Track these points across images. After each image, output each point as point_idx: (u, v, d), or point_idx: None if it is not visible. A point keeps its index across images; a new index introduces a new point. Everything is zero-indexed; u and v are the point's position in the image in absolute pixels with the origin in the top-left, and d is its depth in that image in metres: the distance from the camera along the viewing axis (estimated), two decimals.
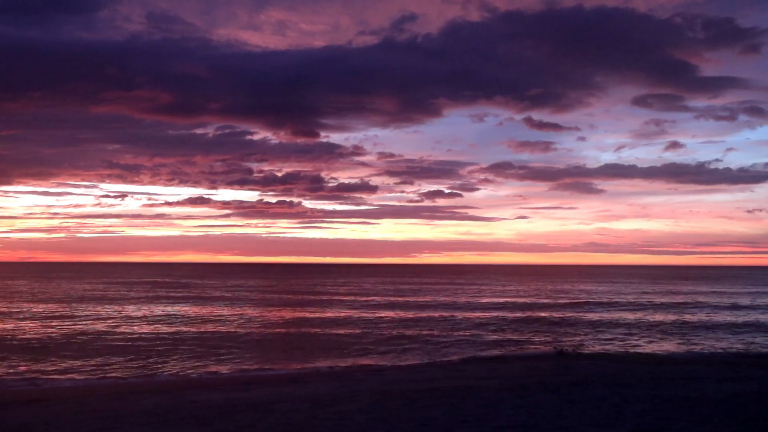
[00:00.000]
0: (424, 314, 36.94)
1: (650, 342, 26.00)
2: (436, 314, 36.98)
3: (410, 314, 37.00)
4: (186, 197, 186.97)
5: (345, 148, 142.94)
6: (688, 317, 36.12)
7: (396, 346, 24.08)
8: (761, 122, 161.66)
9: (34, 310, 37.90)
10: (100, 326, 29.42)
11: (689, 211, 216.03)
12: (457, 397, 11.51)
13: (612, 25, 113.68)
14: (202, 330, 28.40)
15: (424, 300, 50.04)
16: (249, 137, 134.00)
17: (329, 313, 37.18)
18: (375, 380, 14.73)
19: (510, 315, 36.81)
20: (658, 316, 36.36)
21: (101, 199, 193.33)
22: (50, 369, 18.80)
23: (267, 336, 26.86)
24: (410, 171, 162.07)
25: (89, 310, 37.59)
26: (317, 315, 36.05)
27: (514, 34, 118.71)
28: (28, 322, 31.09)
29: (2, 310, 37.77)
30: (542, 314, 37.40)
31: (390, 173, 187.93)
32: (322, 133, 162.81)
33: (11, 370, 18.40)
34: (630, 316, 36.19)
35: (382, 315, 36.30)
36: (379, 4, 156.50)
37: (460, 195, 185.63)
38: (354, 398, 11.69)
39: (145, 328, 28.69)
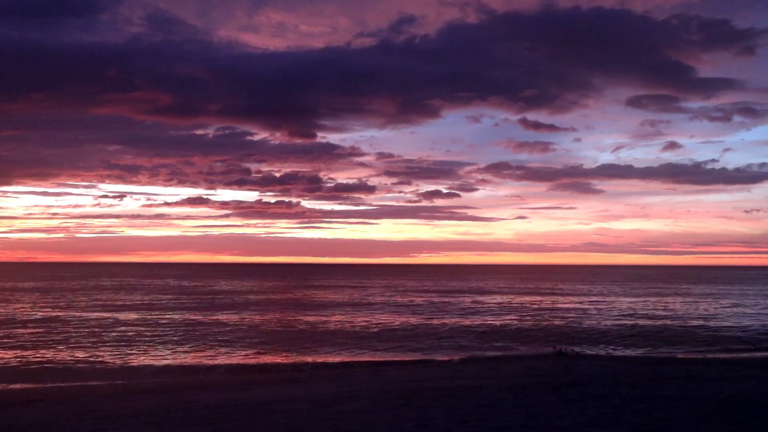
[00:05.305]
0: (423, 314, 36.94)
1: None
2: (434, 314, 36.99)
3: (410, 314, 37.00)
4: (185, 197, 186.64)
5: (343, 148, 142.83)
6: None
7: (396, 347, 24.08)
8: (756, 123, 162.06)
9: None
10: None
11: (687, 211, 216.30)
12: (456, 397, 11.50)
13: (609, 26, 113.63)
14: (204, 328, 28.41)
15: (422, 300, 50.05)
16: (248, 138, 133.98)
17: (328, 314, 37.17)
18: (375, 380, 14.73)
19: (506, 317, 36.82)
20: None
21: (100, 199, 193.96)
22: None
23: (267, 336, 26.86)
24: (408, 171, 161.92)
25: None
26: (316, 315, 36.03)
27: (512, 35, 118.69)
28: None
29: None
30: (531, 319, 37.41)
31: (388, 173, 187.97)
32: (320, 134, 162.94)
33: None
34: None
35: (382, 314, 36.29)
36: (378, 6, 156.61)
37: (458, 195, 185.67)
38: (353, 398, 11.68)
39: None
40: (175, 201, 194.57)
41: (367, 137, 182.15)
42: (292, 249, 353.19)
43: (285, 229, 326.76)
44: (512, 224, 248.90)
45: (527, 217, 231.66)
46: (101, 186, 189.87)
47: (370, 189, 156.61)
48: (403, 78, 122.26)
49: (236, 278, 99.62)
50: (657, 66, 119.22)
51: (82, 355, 21.27)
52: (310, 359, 20.99)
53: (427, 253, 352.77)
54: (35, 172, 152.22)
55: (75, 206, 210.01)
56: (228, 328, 29.09)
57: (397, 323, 31.77)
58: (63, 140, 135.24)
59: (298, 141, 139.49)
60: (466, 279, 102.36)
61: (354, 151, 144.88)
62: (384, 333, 28.03)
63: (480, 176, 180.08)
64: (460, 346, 24.25)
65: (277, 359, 21.12)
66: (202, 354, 22.10)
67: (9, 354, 21.37)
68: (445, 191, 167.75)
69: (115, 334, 26.84)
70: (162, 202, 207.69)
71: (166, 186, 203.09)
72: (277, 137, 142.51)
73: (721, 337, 27.57)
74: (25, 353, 21.57)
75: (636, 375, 14.62)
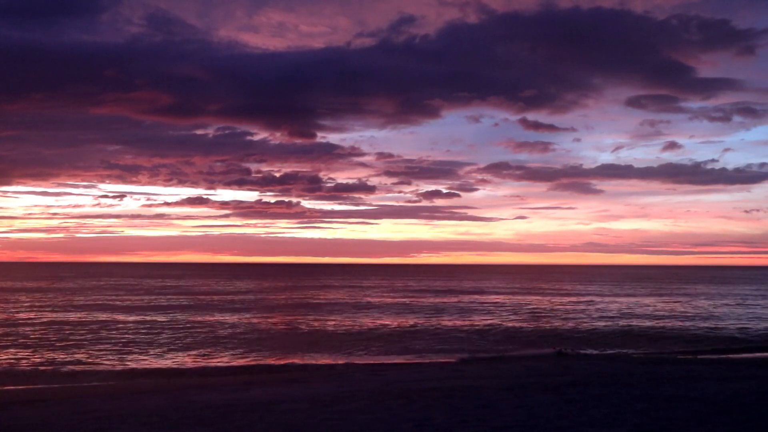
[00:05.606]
0: (422, 314, 36.95)
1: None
2: (434, 314, 37.00)
3: (409, 314, 37.00)
4: (185, 197, 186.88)
5: (343, 148, 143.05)
6: None
7: (395, 346, 24.09)
8: (756, 123, 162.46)
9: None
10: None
11: (687, 211, 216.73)
12: (456, 397, 11.51)
13: (609, 26, 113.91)
14: (204, 328, 28.40)
15: (422, 300, 50.05)
16: (248, 138, 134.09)
17: (327, 313, 37.16)
18: (374, 380, 14.73)
19: (507, 320, 36.84)
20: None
21: (100, 199, 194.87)
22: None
23: (267, 336, 26.86)
24: (408, 171, 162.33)
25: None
26: (316, 315, 36.04)
27: (512, 35, 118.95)
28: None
29: None
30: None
31: (388, 173, 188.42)
32: (320, 134, 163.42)
33: None
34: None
35: (382, 314, 36.29)
36: (378, 6, 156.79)
37: (458, 195, 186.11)
38: (353, 398, 11.69)
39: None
40: (175, 201, 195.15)
41: (367, 137, 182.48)
42: (292, 249, 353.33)
43: (285, 229, 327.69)
44: (512, 224, 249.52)
45: (527, 217, 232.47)
46: (101, 186, 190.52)
47: (370, 189, 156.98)
48: (403, 78, 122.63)
49: (236, 278, 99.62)
50: (657, 66, 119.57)
51: (81, 356, 21.27)
52: (309, 360, 20.99)
53: (426, 253, 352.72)
54: (35, 172, 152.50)
55: (75, 206, 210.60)
56: (227, 329, 29.08)
57: (396, 323, 31.77)
58: (63, 140, 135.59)
59: (298, 141, 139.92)
60: (466, 279, 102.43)
61: (354, 151, 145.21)
62: (384, 333, 28.03)
63: (480, 176, 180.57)
64: (460, 346, 24.26)
65: (277, 360, 21.12)
66: (201, 354, 22.10)
67: (9, 354, 21.37)
68: (445, 191, 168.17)
69: (114, 334, 26.84)
70: (162, 202, 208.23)
71: (166, 186, 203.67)
72: (277, 137, 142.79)
73: (720, 337, 27.59)
74: (24, 353, 21.57)
75: (635, 375, 14.62)
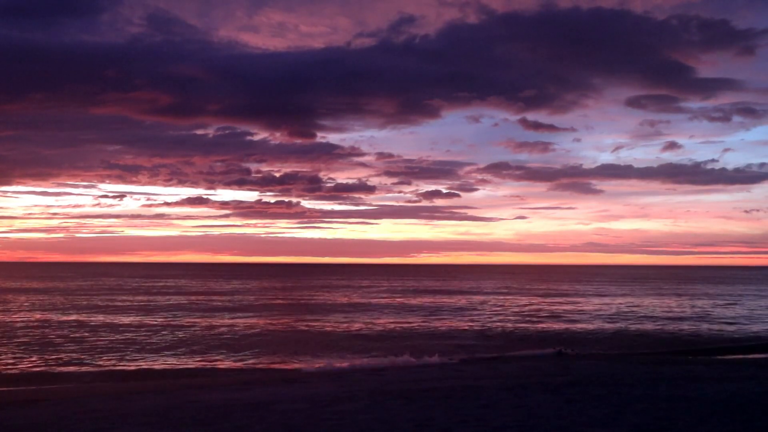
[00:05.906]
0: (422, 314, 36.95)
1: None
2: (433, 315, 36.99)
3: (409, 315, 37.00)
4: (185, 197, 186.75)
5: (343, 148, 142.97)
6: None
7: (395, 346, 24.07)
8: (755, 123, 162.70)
9: None
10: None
11: (687, 211, 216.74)
12: (456, 397, 11.50)
13: (608, 26, 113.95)
14: (203, 328, 28.40)
15: (422, 300, 50.06)
16: (248, 138, 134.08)
17: (327, 313, 37.16)
18: (374, 380, 14.72)
19: (505, 320, 36.82)
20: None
21: (100, 199, 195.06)
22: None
23: (266, 336, 26.85)
24: (408, 171, 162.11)
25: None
26: (315, 315, 36.03)
27: (511, 36, 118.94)
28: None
29: None
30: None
31: (388, 173, 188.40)
32: (320, 134, 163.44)
33: None
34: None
35: (382, 315, 36.30)
36: (378, 6, 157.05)
37: (458, 195, 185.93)
38: (353, 398, 11.68)
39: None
40: (175, 201, 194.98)
41: (367, 137, 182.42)
42: (292, 249, 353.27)
43: (285, 229, 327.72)
44: (512, 224, 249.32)
45: (527, 217, 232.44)
46: (101, 186, 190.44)
47: (370, 189, 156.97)
48: (403, 78, 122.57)
49: (236, 278, 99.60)
50: (656, 66, 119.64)
51: (80, 356, 21.26)
52: (308, 360, 20.97)
53: (426, 253, 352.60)
54: (35, 172, 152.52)
55: (75, 206, 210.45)
56: (227, 330, 29.08)
57: (396, 324, 31.78)
58: (63, 140, 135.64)
59: (298, 141, 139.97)
60: (466, 279, 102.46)
61: (354, 151, 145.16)
62: (383, 333, 28.03)
63: (480, 176, 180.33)
64: (460, 347, 24.24)
65: (277, 360, 21.12)
66: (201, 354, 22.10)
67: (8, 355, 21.37)
68: (445, 191, 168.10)
69: (114, 335, 26.83)
70: (162, 202, 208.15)
71: (166, 186, 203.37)
72: (277, 137, 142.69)
73: (719, 337, 27.58)
74: (24, 354, 21.57)
75: (635, 375, 14.62)
